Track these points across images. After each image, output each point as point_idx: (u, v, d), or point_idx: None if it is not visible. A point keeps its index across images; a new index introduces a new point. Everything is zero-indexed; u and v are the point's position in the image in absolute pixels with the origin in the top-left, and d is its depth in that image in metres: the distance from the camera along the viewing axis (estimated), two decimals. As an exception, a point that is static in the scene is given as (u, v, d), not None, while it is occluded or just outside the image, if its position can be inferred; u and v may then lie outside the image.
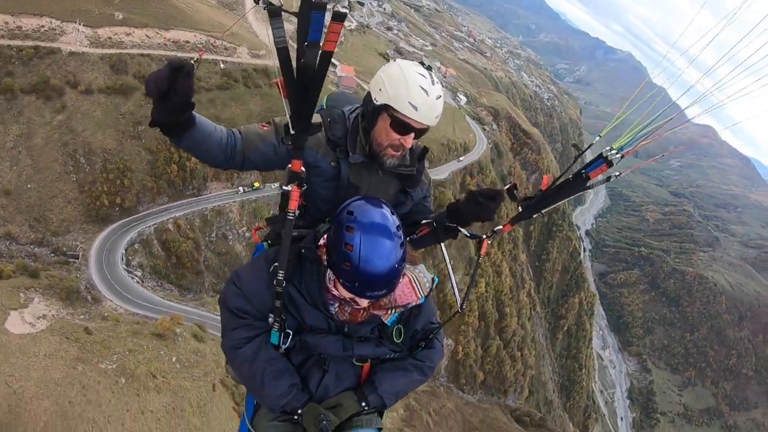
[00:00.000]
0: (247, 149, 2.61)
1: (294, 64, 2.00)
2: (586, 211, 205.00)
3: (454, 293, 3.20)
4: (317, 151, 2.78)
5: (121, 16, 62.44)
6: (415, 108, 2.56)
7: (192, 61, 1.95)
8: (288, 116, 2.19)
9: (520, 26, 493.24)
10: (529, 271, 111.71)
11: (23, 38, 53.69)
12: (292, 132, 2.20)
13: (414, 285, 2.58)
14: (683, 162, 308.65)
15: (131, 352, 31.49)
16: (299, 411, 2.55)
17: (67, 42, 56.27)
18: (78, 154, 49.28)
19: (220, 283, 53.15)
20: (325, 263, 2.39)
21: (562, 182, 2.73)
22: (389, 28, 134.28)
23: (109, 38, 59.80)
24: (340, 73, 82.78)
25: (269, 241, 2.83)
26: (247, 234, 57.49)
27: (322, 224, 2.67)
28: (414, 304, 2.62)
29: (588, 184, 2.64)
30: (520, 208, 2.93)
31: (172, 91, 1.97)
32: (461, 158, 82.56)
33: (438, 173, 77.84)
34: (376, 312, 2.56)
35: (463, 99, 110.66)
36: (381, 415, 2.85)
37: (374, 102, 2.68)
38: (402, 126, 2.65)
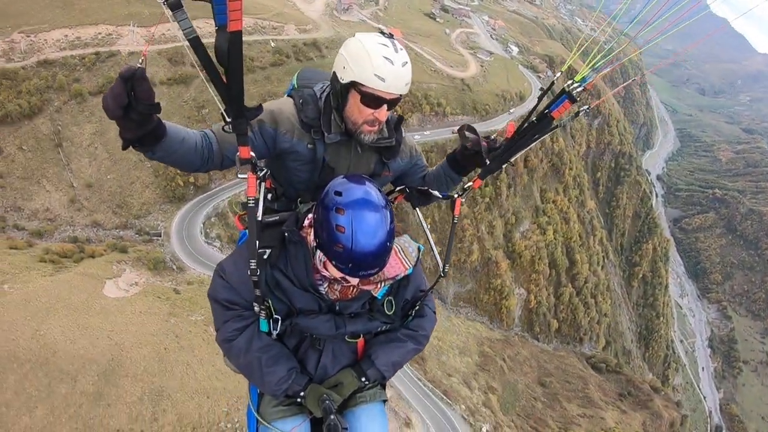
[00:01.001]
0: (224, 148, 2.57)
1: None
2: (656, 155, 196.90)
3: (435, 257, 3.08)
4: (292, 135, 2.77)
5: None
6: (383, 79, 2.51)
7: (139, 64, 1.86)
8: (221, 106, 2.08)
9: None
10: (600, 218, 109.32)
11: (83, 47, 57.46)
12: (228, 120, 2.08)
13: (400, 256, 2.60)
14: (753, 96, 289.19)
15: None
16: (301, 393, 2.61)
17: (125, 44, 59.77)
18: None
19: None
20: (313, 245, 2.39)
21: (527, 126, 2.66)
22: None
23: (163, 34, 62.60)
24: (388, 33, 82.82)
25: None
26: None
27: (301, 205, 2.75)
28: (402, 275, 2.62)
29: (555, 124, 2.58)
30: (487, 160, 2.86)
31: (133, 101, 1.90)
32: (512, 110, 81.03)
33: (495, 124, 76.95)
34: (365, 287, 2.57)
35: (514, 49, 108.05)
36: (384, 387, 2.95)
37: (341, 81, 2.64)
38: (373, 100, 2.60)
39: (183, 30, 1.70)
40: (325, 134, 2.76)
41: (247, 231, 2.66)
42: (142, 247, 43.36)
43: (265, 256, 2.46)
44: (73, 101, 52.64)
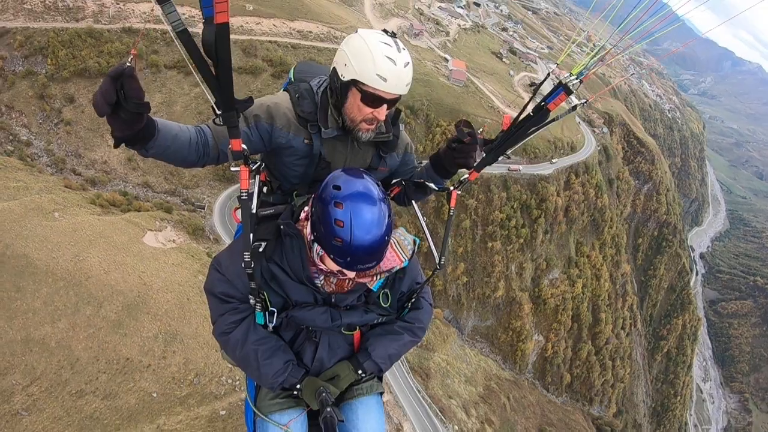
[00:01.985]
0: (219, 142, 2.55)
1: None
2: (703, 233, 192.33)
3: (431, 250, 3.11)
4: (288, 131, 2.77)
5: (251, 8, 70.17)
6: (384, 79, 2.52)
7: (128, 63, 1.87)
8: (211, 98, 2.06)
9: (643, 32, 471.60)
10: (634, 284, 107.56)
11: (165, 23, 62.35)
12: (219, 113, 2.07)
13: (396, 249, 2.63)
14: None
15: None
16: (298, 386, 2.62)
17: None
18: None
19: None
20: (310, 238, 2.39)
21: (523, 119, 2.65)
22: (504, 29, 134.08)
23: (241, 26, 67.29)
24: (452, 66, 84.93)
25: None
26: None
27: (297, 198, 2.77)
28: (398, 267, 2.65)
29: (551, 117, 2.61)
30: (483, 153, 2.87)
31: (122, 99, 1.88)
32: (554, 160, 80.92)
33: (540, 169, 78.12)
34: (361, 280, 2.58)
35: (574, 100, 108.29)
36: (380, 379, 2.97)
37: (341, 78, 2.64)
38: (373, 99, 2.61)
39: (171, 23, 1.70)
40: (322, 129, 2.79)
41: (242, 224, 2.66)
42: (185, 213, 46.06)
43: (261, 249, 2.49)
44: (148, 70, 57.00)
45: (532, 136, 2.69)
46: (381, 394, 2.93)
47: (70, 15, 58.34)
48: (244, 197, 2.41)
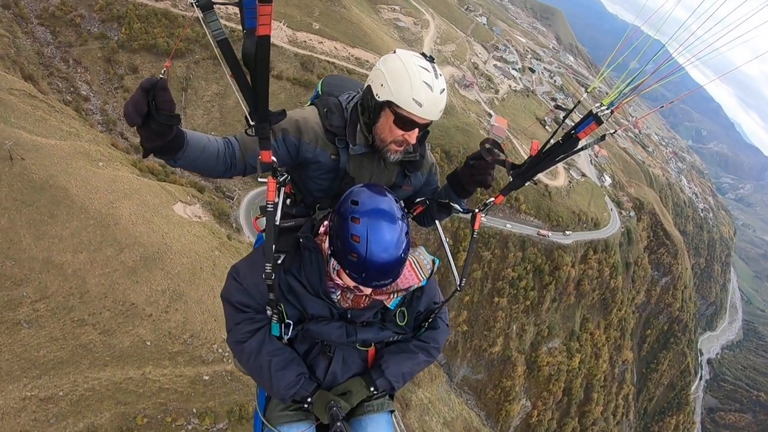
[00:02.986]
0: (246, 155, 2.57)
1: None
2: (715, 339, 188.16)
3: (452, 272, 3.11)
4: (315, 145, 2.76)
5: (317, 27, 74.74)
6: (420, 104, 2.52)
7: (161, 75, 1.87)
8: (245, 109, 2.06)
9: (691, 129, 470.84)
10: (634, 374, 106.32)
11: (237, 23, 67.11)
12: (252, 124, 2.07)
13: (415, 268, 2.63)
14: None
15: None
16: (309, 399, 2.61)
17: (272, 36, 68.98)
18: (257, 123, 61.38)
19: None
20: (327, 252, 2.41)
21: (552, 146, 2.65)
22: (553, 99, 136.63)
23: (304, 41, 71.79)
24: (494, 122, 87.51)
25: None
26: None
27: (318, 212, 2.75)
28: (416, 286, 2.65)
29: (579, 146, 2.58)
30: (510, 177, 2.88)
31: (153, 110, 1.90)
32: (568, 232, 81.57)
33: (560, 238, 79.43)
34: (378, 297, 2.59)
35: (608, 180, 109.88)
36: (392, 397, 2.94)
37: (376, 98, 2.64)
38: (406, 123, 2.62)
39: (213, 31, 1.73)
40: (350, 145, 2.78)
41: (263, 234, 2.70)
42: (215, 197, 48.92)
43: (280, 261, 2.50)
44: (211, 61, 61.47)
45: (559, 163, 2.73)
46: (392, 412, 2.89)
47: (153, -6, 63.46)
48: (269, 208, 2.40)
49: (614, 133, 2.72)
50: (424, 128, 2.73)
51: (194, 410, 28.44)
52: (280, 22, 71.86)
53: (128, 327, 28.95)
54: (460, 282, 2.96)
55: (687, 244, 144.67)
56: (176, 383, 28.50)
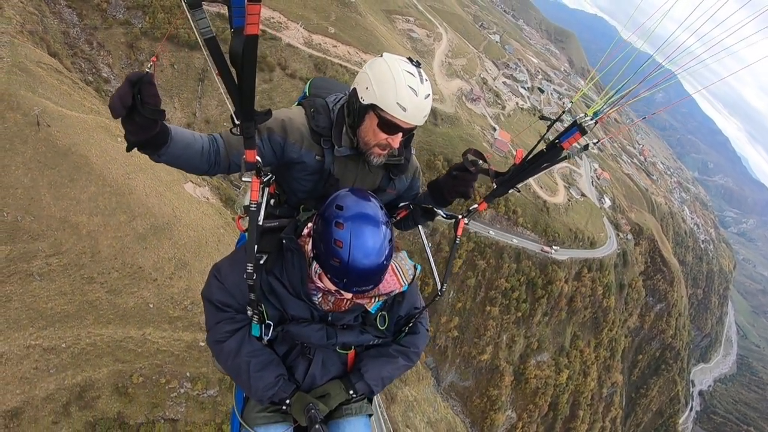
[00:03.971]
0: (230, 153, 2.57)
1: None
2: (708, 371, 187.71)
3: (434, 276, 3.16)
4: (301, 145, 2.76)
5: (332, 31, 77.64)
6: (404, 109, 2.53)
7: (148, 69, 1.87)
8: (231, 108, 2.05)
9: (698, 161, 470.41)
10: (623, 398, 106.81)
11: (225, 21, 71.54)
12: (237, 122, 2.07)
13: (397, 273, 2.63)
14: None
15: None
16: (287, 401, 2.62)
17: (288, 36, 72.75)
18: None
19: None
20: (310, 255, 2.42)
21: (536, 154, 2.66)
22: (560, 120, 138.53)
23: (319, 44, 74.53)
24: (497, 135, 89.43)
25: None
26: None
27: (302, 213, 2.76)
28: (397, 291, 2.66)
29: (563, 155, 2.59)
30: (494, 185, 2.89)
31: (138, 103, 1.90)
32: (555, 248, 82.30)
33: (557, 254, 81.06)
34: (359, 301, 2.59)
35: (607, 202, 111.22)
36: (370, 401, 2.97)
37: (361, 101, 2.64)
38: (390, 126, 2.61)
39: (201, 30, 1.71)
40: (335, 147, 2.79)
41: (246, 234, 2.66)
42: (224, 183, 51.07)
43: (262, 262, 2.52)
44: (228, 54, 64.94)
45: (543, 171, 2.72)
46: (370, 416, 2.91)
47: (176, -14, 66.63)
48: (253, 208, 2.40)
49: (597, 143, 2.72)
50: (408, 132, 2.72)
51: (188, 374, 30.07)
52: (297, 23, 74.46)
53: (134, 289, 30.77)
54: (441, 287, 2.98)
55: (685, 273, 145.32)
56: (173, 346, 30.17)
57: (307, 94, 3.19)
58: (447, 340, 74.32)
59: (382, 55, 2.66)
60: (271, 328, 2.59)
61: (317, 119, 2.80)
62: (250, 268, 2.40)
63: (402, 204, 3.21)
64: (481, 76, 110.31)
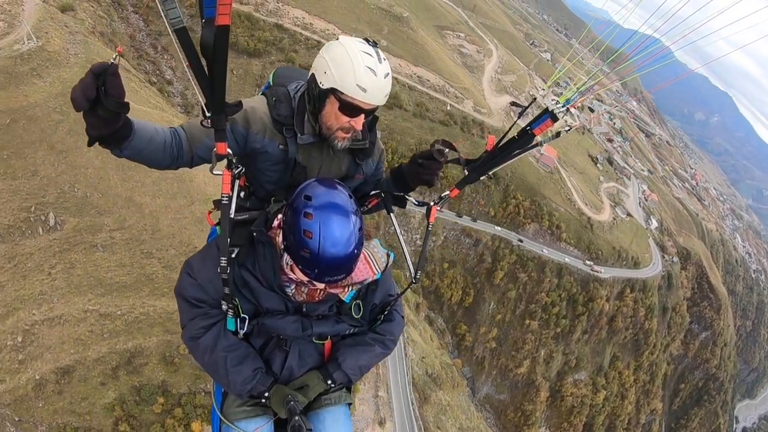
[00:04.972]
0: (193, 146, 2.53)
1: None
2: (753, 408, 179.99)
3: (408, 264, 3.03)
4: (263, 135, 2.72)
5: (384, 44, 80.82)
6: (364, 90, 2.49)
7: (113, 61, 1.81)
8: (202, 99, 2.01)
9: (753, 188, 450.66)
10: (662, 428, 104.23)
11: (311, 32, 75.25)
12: (208, 114, 2.04)
13: (369, 261, 2.63)
14: None
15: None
16: (266, 394, 2.62)
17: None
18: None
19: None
20: (281, 246, 2.40)
21: (508, 141, 2.65)
22: (610, 140, 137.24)
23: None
24: (543, 151, 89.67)
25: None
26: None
27: (272, 205, 2.70)
28: (371, 279, 2.65)
29: (535, 142, 2.59)
30: (466, 171, 2.87)
31: (102, 96, 1.82)
32: (600, 271, 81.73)
33: (601, 272, 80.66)
34: (333, 291, 2.57)
35: (654, 224, 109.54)
36: (349, 390, 2.98)
37: (320, 86, 2.59)
38: (351, 109, 2.57)
39: (170, 20, 1.67)
40: (298, 135, 2.74)
41: (217, 228, 2.73)
42: None
43: (234, 255, 2.49)
44: (286, 62, 67.37)
45: (515, 159, 2.70)
46: (349, 405, 2.95)
47: (238, -2, 70.16)
48: (224, 201, 2.40)
49: (569, 130, 2.72)
50: (370, 114, 2.71)
51: (231, 350, 32.44)
52: (352, 35, 77.04)
53: (188, 266, 33.69)
54: (415, 275, 2.93)
55: (734, 303, 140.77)
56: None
57: (272, 83, 3.15)
58: (485, 350, 74.71)
59: (338, 38, 2.67)
60: (246, 321, 2.57)
61: (278, 108, 2.76)
62: (223, 261, 2.37)
63: (373, 192, 3.16)
64: (530, 92, 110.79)
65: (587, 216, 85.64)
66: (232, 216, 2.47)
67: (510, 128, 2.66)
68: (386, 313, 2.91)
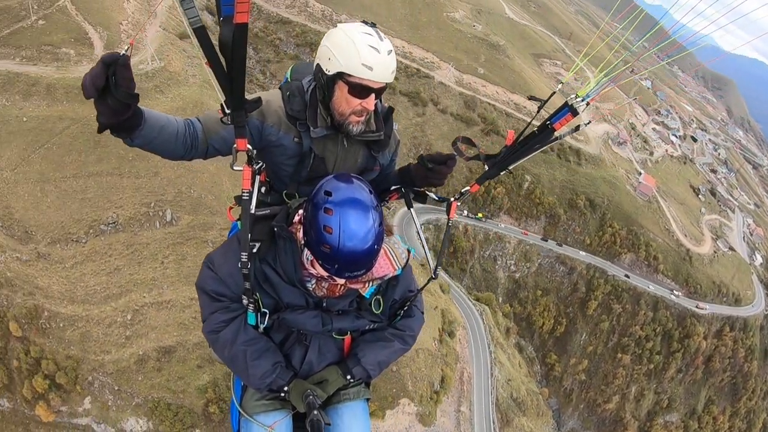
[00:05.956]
0: (209, 137, 2.56)
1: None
2: None
3: (427, 260, 3.14)
4: (279, 129, 2.77)
5: (482, 71, 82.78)
6: (370, 68, 2.52)
7: (124, 52, 1.83)
8: (221, 96, 2.05)
9: None
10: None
11: (411, 60, 78.60)
12: (228, 111, 2.07)
13: (390, 257, 2.61)
14: None
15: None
16: (285, 388, 2.63)
17: (440, 75, 79.67)
18: (420, 148, 68.30)
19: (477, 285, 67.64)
20: (301, 242, 2.39)
21: (528, 136, 2.68)
22: (714, 171, 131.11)
23: (469, 83, 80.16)
24: (642, 180, 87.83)
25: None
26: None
27: (293, 200, 2.71)
28: (391, 275, 2.63)
29: (555, 136, 2.62)
30: (486, 166, 2.87)
31: (112, 86, 1.86)
32: (705, 308, 78.39)
33: (702, 309, 77.85)
34: (353, 286, 2.57)
35: (759, 259, 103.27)
36: (368, 385, 3.01)
37: (326, 73, 2.63)
38: (361, 90, 2.60)
39: (189, 18, 1.68)
40: (311, 128, 2.77)
41: (238, 223, 2.77)
42: None
43: (255, 250, 2.49)
44: (389, 90, 73.67)
45: (534, 153, 2.74)
46: (368, 400, 2.98)
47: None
48: (245, 197, 2.39)
49: (588, 123, 2.72)
50: (380, 93, 2.72)
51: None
52: (449, 64, 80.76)
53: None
54: (435, 270, 2.96)
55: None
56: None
57: (289, 79, 3.11)
58: (573, 382, 73.49)
59: (336, 26, 2.67)
60: (267, 316, 2.59)
61: (292, 102, 2.79)
62: (244, 257, 2.39)
63: (394, 188, 3.19)
64: (630, 121, 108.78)
65: (686, 248, 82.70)
66: (252, 211, 2.49)
67: (529, 123, 2.76)
68: (406, 308, 2.90)
